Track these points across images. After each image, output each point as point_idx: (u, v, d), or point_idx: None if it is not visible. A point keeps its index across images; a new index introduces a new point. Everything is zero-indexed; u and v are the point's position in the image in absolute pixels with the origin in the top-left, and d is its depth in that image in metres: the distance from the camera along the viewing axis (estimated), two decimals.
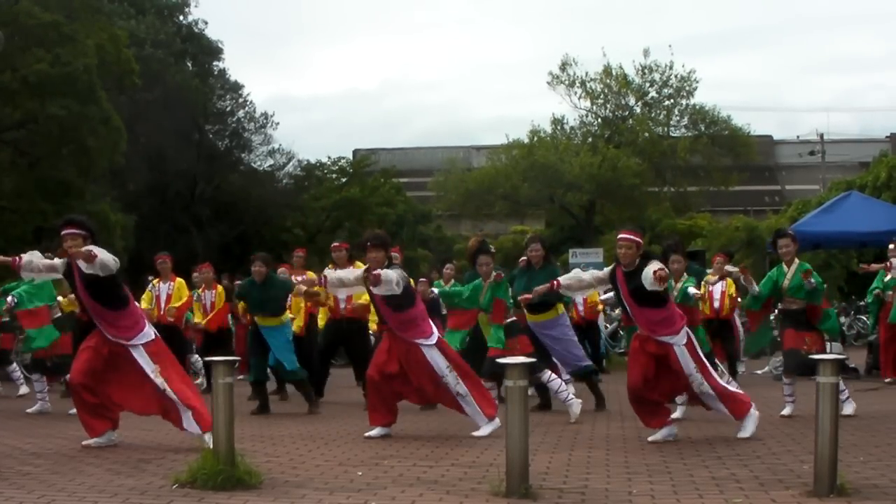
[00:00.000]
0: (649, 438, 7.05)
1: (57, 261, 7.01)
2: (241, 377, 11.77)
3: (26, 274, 7.17)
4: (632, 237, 7.03)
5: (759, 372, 14.51)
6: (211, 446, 6.60)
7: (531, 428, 5.12)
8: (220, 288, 11.91)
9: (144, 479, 5.56)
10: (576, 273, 7.92)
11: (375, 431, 7.53)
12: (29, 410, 9.71)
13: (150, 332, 7.00)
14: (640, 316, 7.05)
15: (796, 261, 8.70)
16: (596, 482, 5.46)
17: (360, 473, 5.77)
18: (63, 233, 6.82)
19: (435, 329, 7.67)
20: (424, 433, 7.76)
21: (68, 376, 7.31)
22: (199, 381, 13.56)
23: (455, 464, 6.12)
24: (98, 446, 6.88)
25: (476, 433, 7.41)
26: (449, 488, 5.27)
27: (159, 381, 6.75)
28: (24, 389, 11.28)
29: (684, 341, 7.01)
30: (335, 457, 6.48)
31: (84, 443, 6.93)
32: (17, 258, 6.98)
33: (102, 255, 6.60)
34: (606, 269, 7.40)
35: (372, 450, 6.77)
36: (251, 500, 5.00)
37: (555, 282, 7.87)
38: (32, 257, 7.05)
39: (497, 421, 7.27)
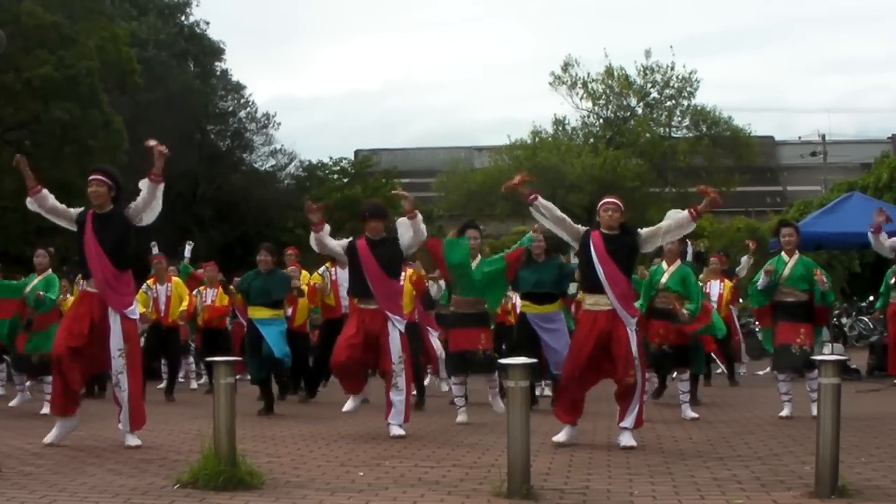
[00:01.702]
0: (554, 439, 6.92)
1: (71, 210, 7.04)
2: (237, 377, 11.78)
3: (34, 206, 7.15)
4: (617, 201, 7.00)
5: (760, 373, 14.52)
6: (131, 443, 6.82)
7: (532, 429, 5.12)
8: (220, 288, 11.88)
9: (146, 479, 5.56)
10: (555, 212, 7.17)
11: (352, 404, 7.75)
12: (12, 403, 9.73)
13: (135, 309, 7.06)
14: (612, 279, 6.80)
15: (797, 253, 8.70)
16: (597, 483, 5.46)
17: (361, 474, 5.77)
18: (90, 178, 6.96)
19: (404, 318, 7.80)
20: (426, 434, 7.76)
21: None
22: (202, 381, 13.59)
23: (457, 464, 6.12)
24: (60, 440, 6.93)
25: (393, 432, 7.46)
26: (450, 489, 5.27)
27: (119, 363, 6.78)
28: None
29: (636, 327, 6.97)
30: (337, 457, 6.48)
31: (45, 440, 6.95)
32: (38, 185, 7.00)
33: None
34: (580, 227, 7.12)
35: (373, 450, 6.77)
36: (252, 500, 5.00)
37: (534, 194, 7.06)
38: (49, 197, 7.09)
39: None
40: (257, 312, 9.75)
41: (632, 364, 6.81)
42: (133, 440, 6.91)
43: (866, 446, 6.65)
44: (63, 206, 7.08)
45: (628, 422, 6.87)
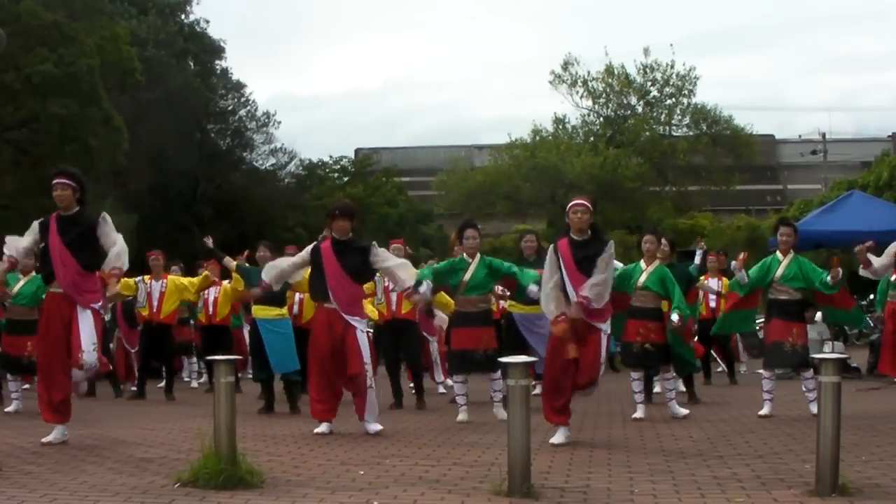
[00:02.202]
0: (551, 441, 6.89)
1: (32, 233, 7.08)
2: (239, 375, 11.76)
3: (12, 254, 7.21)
4: (586, 202, 6.94)
5: (760, 371, 14.50)
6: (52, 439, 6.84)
7: (532, 427, 5.12)
8: (224, 284, 11.87)
9: (146, 478, 5.56)
10: (551, 296, 7.00)
11: (324, 427, 7.64)
12: (7, 409, 9.69)
13: (101, 305, 7.08)
14: (578, 288, 6.77)
15: (792, 252, 8.73)
16: (598, 481, 5.45)
17: (361, 473, 5.77)
18: (54, 182, 6.98)
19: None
20: (426, 433, 7.76)
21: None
22: (202, 380, 13.58)
23: (457, 463, 6.12)
24: (58, 441, 6.93)
25: (371, 429, 7.50)
26: (451, 487, 5.27)
27: (92, 356, 6.79)
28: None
29: (608, 331, 6.98)
30: (337, 456, 6.48)
31: (44, 440, 6.96)
32: (11, 259, 7.17)
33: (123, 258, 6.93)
34: (550, 256, 7.03)
35: (374, 449, 6.77)
36: (253, 499, 5.00)
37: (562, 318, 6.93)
38: (11, 244, 7.17)
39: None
40: (260, 312, 9.66)
41: (597, 370, 6.88)
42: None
43: (867, 445, 6.65)
44: (26, 242, 7.15)
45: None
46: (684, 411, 8.70)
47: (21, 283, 9.85)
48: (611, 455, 6.43)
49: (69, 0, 20.97)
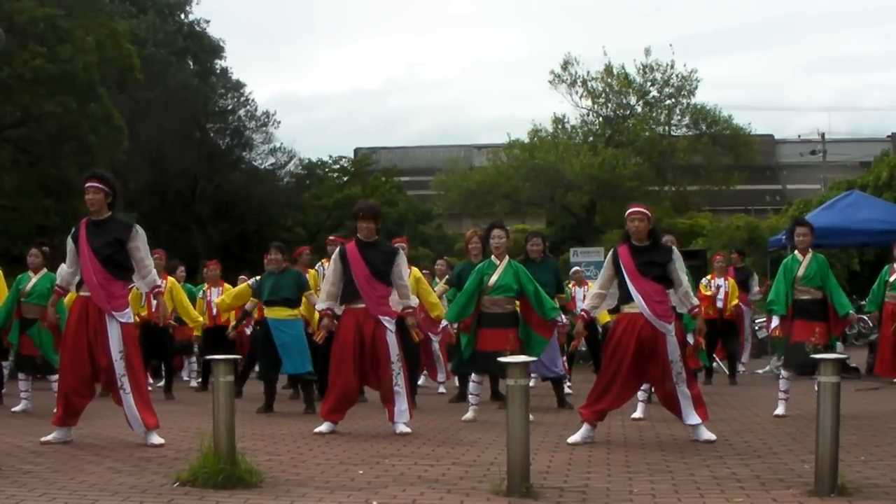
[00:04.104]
0: (569, 440, 6.94)
1: (69, 248, 7.05)
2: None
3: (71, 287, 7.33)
4: (643, 210, 7.04)
5: (759, 371, 14.53)
6: (154, 442, 6.79)
7: (532, 427, 5.12)
8: (226, 286, 11.81)
9: (145, 477, 5.56)
10: (593, 294, 7.37)
11: (325, 427, 7.61)
12: (15, 409, 9.65)
13: (130, 314, 7.07)
14: (643, 290, 6.85)
15: (810, 251, 8.73)
16: (597, 481, 5.45)
17: (360, 472, 5.76)
18: (86, 185, 6.95)
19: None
20: (425, 432, 7.75)
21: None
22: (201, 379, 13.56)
23: (456, 463, 6.12)
24: (57, 442, 6.90)
25: (399, 430, 7.50)
26: (450, 487, 5.27)
27: (119, 365, 6.76)
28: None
29: (674, 331, 6.98)
30: (336, 455, 6.48)
31: (43, 439, 6.95)
32: (58, 290, 7.39)
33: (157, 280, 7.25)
34: (607, 260, 7.21)
35: (373, 448, 6.77)
36: (252, 498, 5.00)
37: (583, 313, 7.34)
38: (59, 273, 7.38)
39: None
40: (272, 313, 9.57)
41: (669, 371, 6.87)
42: (156, 439, 6.85)
43: (866, 445, 6.66)
44: (68, 264, 7.13)
45: (693, 419, 6.95)
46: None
47: (33, 280, 9.73)
48: (610, 454, 6.43)
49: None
